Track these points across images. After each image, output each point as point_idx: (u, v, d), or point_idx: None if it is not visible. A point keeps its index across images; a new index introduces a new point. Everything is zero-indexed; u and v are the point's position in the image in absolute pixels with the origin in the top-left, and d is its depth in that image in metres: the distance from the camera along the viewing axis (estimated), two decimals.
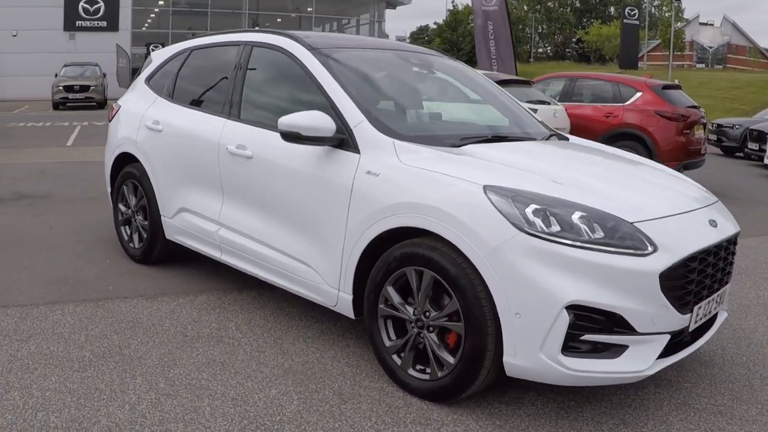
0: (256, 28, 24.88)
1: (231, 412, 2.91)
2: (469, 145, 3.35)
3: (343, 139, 3.36)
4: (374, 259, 3.19)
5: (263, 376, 3.25)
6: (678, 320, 2.86)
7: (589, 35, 60.66)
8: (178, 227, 4.50)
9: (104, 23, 32.64)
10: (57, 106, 24.01)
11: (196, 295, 4.38)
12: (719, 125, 15.32)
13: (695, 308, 2.95)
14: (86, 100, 24.24)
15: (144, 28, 38.02)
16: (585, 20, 72.00)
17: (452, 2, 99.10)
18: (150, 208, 4.75)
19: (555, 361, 2.67)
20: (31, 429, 2.72)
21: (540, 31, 74.39)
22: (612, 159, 3.81)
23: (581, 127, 9.52)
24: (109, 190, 5.36)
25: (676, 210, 3.05)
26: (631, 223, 2.78)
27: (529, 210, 2.73)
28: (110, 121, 5.34)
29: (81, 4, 32.30)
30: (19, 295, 4.28)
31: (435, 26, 64.60)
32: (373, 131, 3.31)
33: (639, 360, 2.77)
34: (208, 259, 4.39)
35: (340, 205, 3.29)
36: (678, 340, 2.99)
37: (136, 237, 5.00)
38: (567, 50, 73.12)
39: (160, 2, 37.46)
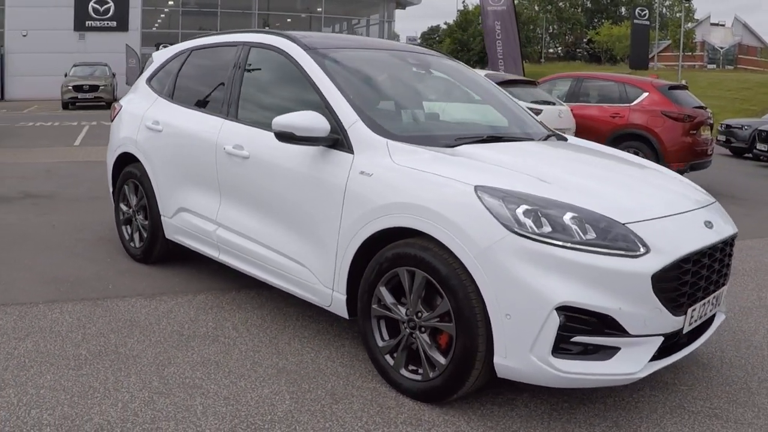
0: (266, 28, 24.93)
1: (223, 411, 2.92)
2: (464, 146, 3.34)
3: (338, 140, 3.36)
4: (368, 259, 3.19)
5: (257, 376, 3.26)
6: (671, 322, 2.84)
7: (599, 35, 60.40)
8: (177, 227, 4.52)
9: (114, 23, 32.83)
10: (66, 105, 24.18)
11: (194, 294, 4.40)
12: (728, 126, 15.22)
13: (689, 310, 2.93)
14: (95, 100, 24.38)
15: (154, 29, 38.15)
16: (596, 20, 71.74)
17: (462, 2, 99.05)
18: (150, 208, 4.77)
19: (545, 363, 2.66)
20: (24, 426, 2.74)
21: (551, 31, 74.18)
22: (609, 160, 3.79)
23: (587, 128, 9.49)
24: (111, 189, 5.39)
25: (670, 211, 3.04)
26: (623, 224, 2.76)
27: (519, 211, 2.72)
28: (112, 121, 5.37)
29: (91, 4, 32.51)
30: (19, 293, 4.31)
31: (445, 26, 64.49)
32: (367, 131, 3.31)
33: (631, 362, 2.75)
34: (208, 259, 4.41)
35: (334, 205, 3.29)
36: (672, 343, 2.97)
37: (136, 236, 5.03)
38: (578, 50, 72.87)
39: (170, 2, 37.60)
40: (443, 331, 2.91)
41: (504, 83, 9.09)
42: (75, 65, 26.29)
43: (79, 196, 7.52)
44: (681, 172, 9.25)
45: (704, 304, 3.06)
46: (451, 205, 2.84)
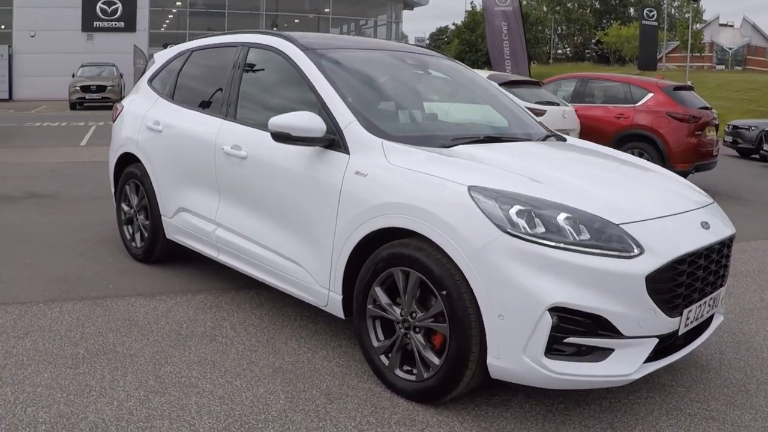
0: (274, 28, 24.93)
1: (217, 410, 2.93)
2: (460, 146, 3.34)
3: (334, 140, 3.37)
4: (364, 259, 3.19)
5: (252, 375, 3.26)
6: (666, 324, 2.83)
7: (608, 36, 60.23)
8: (177, 227, 4.53)
9: (122, 24, 32.96)
10: (74, 106, 24.29)
11: (194, 294, 4.41)
12: (735, 126, 15.14)
13: (685, 312, 2.91)
14: (103, 100, 24.48)
15: (162, 29, 38.29)
16: (604, 21, 71.58)
17: (471, 3, 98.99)
18: (151, 208, 4.79)
19: (538, 364, 2.65)
20: (20, 424, 2.76)
21: (559, 32, 74.06)
22: (607, 160, 3.78)
23: (592, 129, 9.46)
24: (112, 189, 5.41)
25: (666, 212, 3.02)
26: (617, 224, 2.75)
27: (513, 211, 2.71)
28: (114, 121, 5.40)
29: (99, 4, 32.65)
30: (20, 292, 4.33)
31: (454, 27, 64.47)
32: (363, 132, 3.31)
33: (625, 363, 2.74)
34: (208, 259, 4.42)
35: (330, 206, 3.30)
36: (668, 344, 2.96)
37: (138, 236, 5.05)
38: (586, 51, 72.73)
39: (178, 3, 37.71)
40: (437, 332, 2.91)
41: (508, 84, 9.09)
42: (83, 66, 26.41)
43: (83, 196, 7.56)
44: (686, 173, 9.25)
45: (701, 305, 3.05)
46: (445, 205, 2.84)
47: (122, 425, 2.77)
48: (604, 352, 2.72)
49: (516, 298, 2.64)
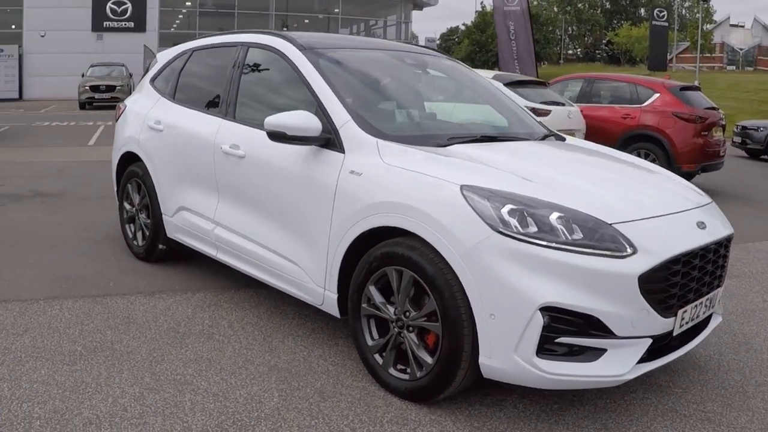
0: (284, 29, 24.92)
1: (211, 407, 2.94)
2: (456, 146, 3.34)
3: (330, 139, 3.38)
4: (359, 258, 3.20)
5: (248, 373, 3.28)
6: (660, 324, 2.81)
7: (618, 37, 60.03)
8: (177, 226, 4.55)
9: (131, 24, 33.13)
10: (83, 105, 24.42)
11: (193, 292, 4.43)
12: (744, 127, 15.03)
13: (680, 312, 2.90)
14: (112, 100, 24.53)
15: (172, 29, 38.44)
16: (615, 22, 71.36)
17: (481, 3, 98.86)
18: (152, 207, 4.82)
19: (530, 364, 2.65)
20: (15, 419, 2.78)
21: (570, 32, 73.88)
22: (604, 160, 3.77)
23: (598, 129, 9.43)
24: (115, 188, 5.44)
25: (661, 211, 3.01)
26: (610, 224, 2.74)
27: (504, 210, 2.71)
28: (117, 120, 5.43)
29: (108, 4, 32.83)
30: (22, 290, 4.37)
31: (464, 28, 64.42)
32: (358, 131, 3.32)
33: (618, 364, 2.73)
34: (209, 258, 4.43)
35: (326, 204, 3.31)
36: (663, 345, 2.94)
37: (139, 235, 5.08)
38: (597, 52, 72.50)
39: (188, 3, 37.86)
40: (431, 331, 2.91)
41: (514, 84, 9.06)
42: (92, 65, 26.54)
43: (89, 195, 7.61)
44: (692, 174, 9.21)
45: (696, 306, 3.03)
46: (437, 204, 2.84)
47: (116, 421, 2.79)
48: (596, 353, 2.71)
49: (507, 298, 2.64)
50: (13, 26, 32.86)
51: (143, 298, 4.28)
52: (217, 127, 4.13)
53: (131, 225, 5.18)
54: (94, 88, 24.50)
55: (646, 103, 9.59)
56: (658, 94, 9.55)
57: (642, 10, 69.64)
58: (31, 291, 4.35)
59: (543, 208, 2.73)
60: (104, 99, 24.47)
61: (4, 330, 3.70)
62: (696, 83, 15.75)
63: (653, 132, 9.36)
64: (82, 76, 25.63)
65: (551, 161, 3.50)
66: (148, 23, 33.42)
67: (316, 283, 3.43)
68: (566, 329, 2.66)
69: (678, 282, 2.85)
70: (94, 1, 32.45)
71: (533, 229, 2.68)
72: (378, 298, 3.10)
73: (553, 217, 2.71)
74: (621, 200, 3.00)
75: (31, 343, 3.55)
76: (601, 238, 2.70)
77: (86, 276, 4.70)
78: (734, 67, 51.40)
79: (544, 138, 4.02)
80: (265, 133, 3.55)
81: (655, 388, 3.32)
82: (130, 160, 5.10)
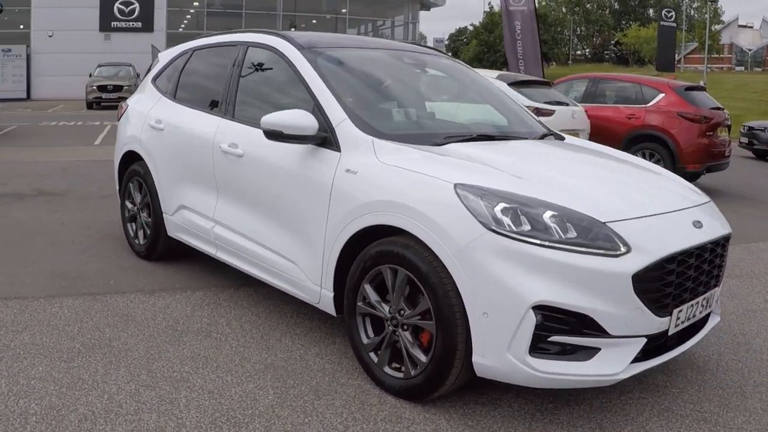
0: (292, 29, 24.85)
1: (205, 404, 2.95)
2: (452, 144, 3.34)
3: (326, 138, 3.39)
4: (355, 256, 3.20)
5: (243, 371, 3.29)
6: (655, 323, 2.80)
7: (627, 37, 59.82)
8: (178, 224, 4.57)
9: (139, 24, 33.27)
10: (90, 105, 24.57)
11: (193, 291, 4.45)
12: (750, 128, 14.95)
13: (675, 311, 2.89)
14: (119, 100, 24.60)
15: (179, 29, 38.54)
16: (623, 22, 71.13)
17: (488, 3, 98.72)
18: (153, 206, 4.84)
19: (522, 362, 2.64)
20: (11, 414, 2.80)
21: (578, 33, 73.68)
22: (602, 159, 3.75)
23: (603, 129, 9.41)
24: (117, 187, 5.47)
25: (656, 210, 3.00)
26: (604, 222, 2.74)
27: (498, 208, 2.71)
28: (119, 120, 5.46)
29: (116, 5, 32.98)
30: (23, 287, 4.40)
31: (472, 28, 64.34)
32: (354, 129, 3.33)
33: (612, 363, 2.72)
34: (209, 256, 4.45)
35: (322, 203, 3.31)
36: (659, 344, 2.93)
37: (141, 233, 5.10)
38: (605, 52, 72.28)
39: (195, 3, 37.95)
40: (425, 329, 2.91)
41: (518, 84, 9.05)
42: (100, 65, 26.66)
43: (92, 194, 7.65)
44: (697, 174, 9.18)
45: (693, 305, 3.02)
46: (431, 202, 2.84)
47: (111, 417, 2.81)
48: (590, 352, 2.71)
49: (500, 296, 2.63)
50: (21, 26, 33.07)
51: (143, 296, 4.30)
52: (217, 126, 4.14)
53: (133, 223, 5.21)
54: (102, 88, 24.64)
55: (650, 103, 9.55)
56: (663, 94, 9.52)
57: (651, 11, 69.35)
58: (31, 289, 4.38)
59: (537, 207, 2.73)
60: (111, 99, 24.57)
61: (3, 327, 3.73)
62: (701, 83, 15.65)
63: (658, 132, 9.33)
64: (90, 76, 25.77)
65: (548, 160, 3.49)
66: (156, 23, 33.55)
67: (313, 281, 3.44)
68: (559, 328, 2.65)
69: (673, 281, 2.84)
70: (101, 1, 32.61)
71: (527, 227, 2.68)
72: (373, 296, 3.10)
73: (547, 215, 2.70)
74: (616, 199, 2.99)
75: (30, 340, 3.57)
76: (595, 236, 2.69)
77: (87, 274, 4.72)
78: (743, 68, 51.14)
79: (542, 137, 4.01)
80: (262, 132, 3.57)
81: (652, 388, 3.31)
82: (131, 159, 5.13)
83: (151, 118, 4.85)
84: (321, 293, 3.40)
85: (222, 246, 4.13)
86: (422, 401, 3.00)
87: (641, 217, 2.88)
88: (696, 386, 3.36)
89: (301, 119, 3.33)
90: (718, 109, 9.70)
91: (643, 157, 9.16)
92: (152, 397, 3.00)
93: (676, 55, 41.32)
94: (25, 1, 32.09)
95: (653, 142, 9.36)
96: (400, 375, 3.02)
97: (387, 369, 3.07)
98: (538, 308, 2.61)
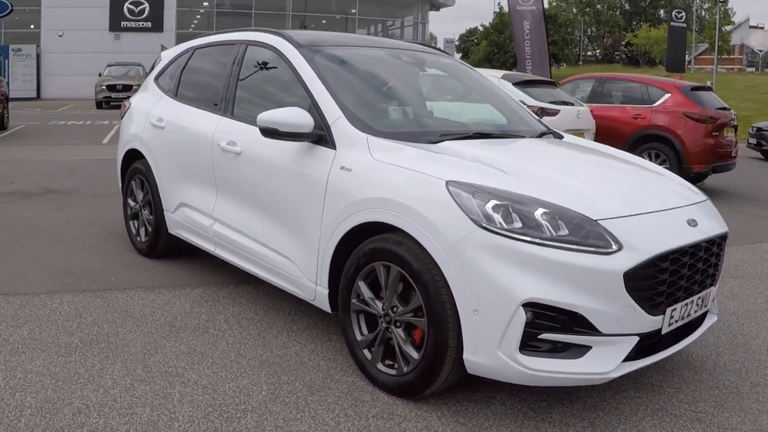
0: (303, 28, 24.81)
1: (199, 399, 2.97)
2: (447, 142, 3.35)
3: (322, 135, 3.40)
4: (350, 254, 3.21)
5: (239, 367, 3.30)
6: (648, 322, 2.79)
7: (637, 38, 59.58)
8: (178, 222, 4.60)
9: (149, 24, 33.45)
10: (100, 105, 24.74)
11: (193, 287, 4.47)
12: (759, 129, 14.85)
13: (669, 310, 2.88)
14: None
15: (189, 30, 38.68)
16: (634, 23, 70.85)
17: (498, 4, 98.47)
18: (154, 203, 4.87)
19: (513, 360, 2.65)
20: (7, 407, 2.83)
21: (589, 33, 73.45)
22: (599, 157, 3.74)
23: (609, 129, 9.38)
24: (120, 185, 5.51)
25: (650, 208, 2.99)
26: (596, 220, 2.73)
27: (489, 206, 2.71)
28: (122, 118, 5.50)
29: (126, 5, 33.17)
30: (24, 284, 4.44)
31: (482, 29, 64.29)
32: (349, 127, 3.34)
33: (603, 361, 2.72)
34: (210, 253, 4.48)
35: (317, 200, 3.33)
36: (653, 343, 2.92)
37: (143, 231, 5.13)
38: (616, 53, 72.01)
39: (205, 3, 38.10)
40: (417, 326, 2.92)
41: (524, 83, 9.04)
42: (109, 65, 26.83)
43: (98, 193, 7.70)
44: (703, 174, 9.13)
45: (687, 304, 3.01)
46: (423, 200, 2.85)
47: (104, 411, 2.83)
48: (581, 350, 2.70)
49: (490, 293, 2.64)
50: (32, 26, 33.33)
51: (143, 293, 4.33)
52: (216, 124, 4.17)
53: (135, 221, 5.24)
54: (111, 88, 24.80)
55: (657, 104, 9.51)
56: (669, 95, 9.48)
57: (661, 12, 69.08)
58: (33, 285, 4.42)
59: (528, 204, 2.73)
60: (121, 98, 24.61)
61: (3, 322, 3.76)
62: (708, 83, 15.55)
63: (664, 132, 9.28)
64: (99, 75, 25.93)
65: (543, 158, 3.49)
66: (166, 23, 33.72)
67: (309, 278, 3.45)
68: (550, 325, 2.65)
69: (666, 280, 2.83)
70: (111, 1, 32.81)
71: (518, 224, 2.68)
72: (367, 293, 3.11)
73: (539, 213, 2.71)
74: (610, 197, 2.98)
75: (29, 335, 3.61)
76: (587, 234, 2.69)
77: (89, 271, 4.76)
78: (754, 69, 50.83)
79: (540, 136, 4.01)
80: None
81: (647, 387, 3.30)
82: (134, 157, 5.17)
83: (152, 116, 4.88)
84: (316, 290, 3.42)
85: (221, 243, 4.16)
86: (414, 398, 3.01)
87: (634, 215, 2.88)
88: (692, 386, 3.35)
89: (296, 117, 3.34)
90: (725, 109, 9.65)
91: (649, 157, 9.14)
92: (146, 391, 3.02)
93: (687, 55, 41.08)
94: (35, 1, 32.34)
95: (659, 142, 9.32)
96: (393, 372, 3.03)
97: (380, 366, 3.08)
98: (528, 305, 2.61)
